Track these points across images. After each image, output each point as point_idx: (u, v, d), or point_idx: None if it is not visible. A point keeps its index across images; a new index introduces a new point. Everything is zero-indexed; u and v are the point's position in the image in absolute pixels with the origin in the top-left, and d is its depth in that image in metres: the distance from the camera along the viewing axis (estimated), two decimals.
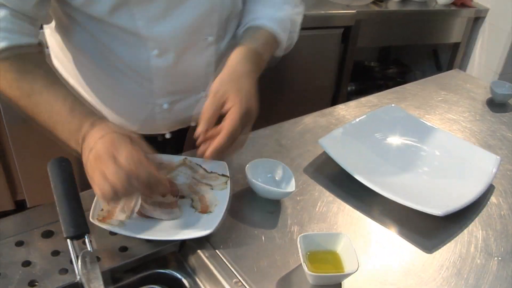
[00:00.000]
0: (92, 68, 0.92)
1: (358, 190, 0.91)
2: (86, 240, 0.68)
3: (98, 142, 0.67)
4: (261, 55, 0.88)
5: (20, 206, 2.00)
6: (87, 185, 0.69)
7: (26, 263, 0.70)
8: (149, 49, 0.86)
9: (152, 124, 1.00)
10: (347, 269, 0.71)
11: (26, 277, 0.67)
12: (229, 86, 0.80)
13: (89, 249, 0.67)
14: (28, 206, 1.98)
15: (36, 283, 0.66)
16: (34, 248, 0.72)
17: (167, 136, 1.06)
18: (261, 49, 0.89)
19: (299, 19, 1.01)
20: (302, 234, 0.73)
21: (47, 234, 0.75)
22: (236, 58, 0.85)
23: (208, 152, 0.77)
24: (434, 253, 0.80)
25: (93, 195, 0.79)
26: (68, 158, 0.74)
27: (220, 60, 0.90)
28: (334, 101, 2.36)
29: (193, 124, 1.04)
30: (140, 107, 0.96)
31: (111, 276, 0.72)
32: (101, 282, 0.58)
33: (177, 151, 1.03)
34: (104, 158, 0.65)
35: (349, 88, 2.56)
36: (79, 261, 0.60)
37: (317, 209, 0.87)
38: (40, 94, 0.72)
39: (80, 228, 0.68)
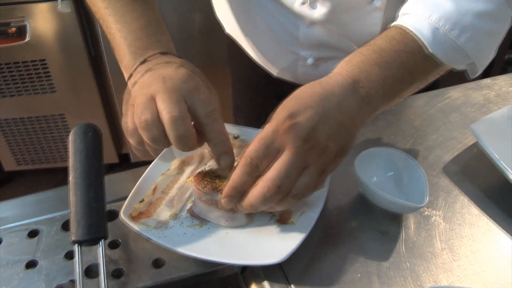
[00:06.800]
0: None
1: None
2: (99, 250, 0.47)
3: (145, 75, 0.54)
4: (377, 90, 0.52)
5: (123, 160, 1.94)
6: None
7: (31, 264, 0.51)
8: None
9: (292, 75, 0.83)
10: None
11: (23, 286, 0.49)
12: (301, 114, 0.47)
13: (101, 262, 0.46)
14: (132, 161, 1.92)
15: None
16: (48, 244, 0.54)
17: None
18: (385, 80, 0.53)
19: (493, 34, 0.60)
20: (429, 287, 0.44)
21: (68, 226, 0.55)
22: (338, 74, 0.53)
23: (244, 204, 0.49)
24: None
25: (133, 180, 0.58)
26: (96, 126, 0.53)
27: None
28: (485, 71, 1.90)
29: None
30: (282, 54, 0.81)
31: None
32: None
33: None
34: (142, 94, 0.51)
35: (506, 56, 2.14)
36: None
37: (458, 236, 0.56)
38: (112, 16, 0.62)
39: (93, 230, 0.47)
